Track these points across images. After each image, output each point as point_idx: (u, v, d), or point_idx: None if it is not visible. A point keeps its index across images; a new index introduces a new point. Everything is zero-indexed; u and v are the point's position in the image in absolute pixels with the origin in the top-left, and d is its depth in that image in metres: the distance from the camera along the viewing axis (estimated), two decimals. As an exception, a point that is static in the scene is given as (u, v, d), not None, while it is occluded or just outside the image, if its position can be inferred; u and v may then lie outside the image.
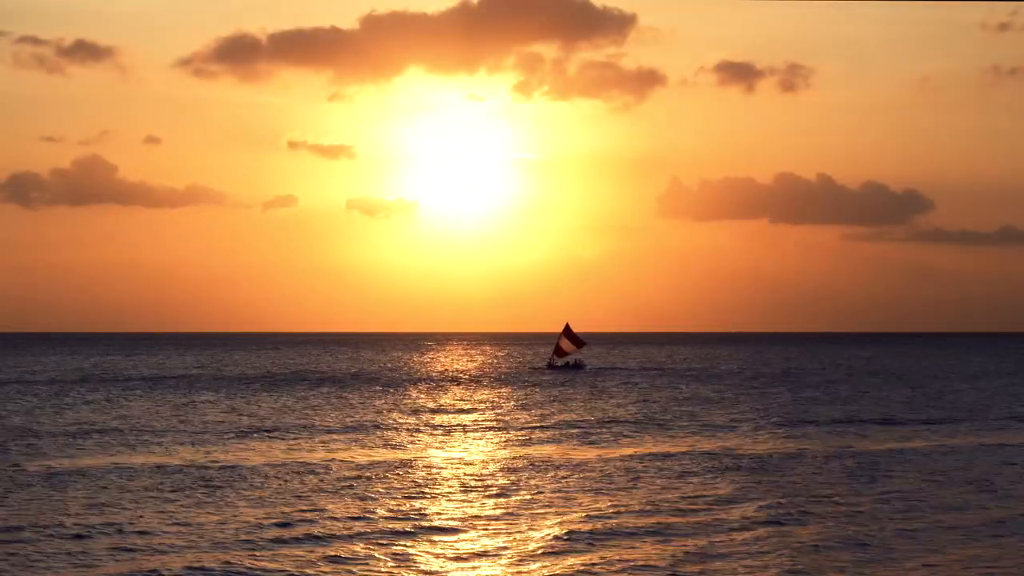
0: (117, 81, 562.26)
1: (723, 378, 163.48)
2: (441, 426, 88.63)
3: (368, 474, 59.39)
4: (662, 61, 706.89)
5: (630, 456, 67.62)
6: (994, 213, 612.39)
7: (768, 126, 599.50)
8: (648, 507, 49.13)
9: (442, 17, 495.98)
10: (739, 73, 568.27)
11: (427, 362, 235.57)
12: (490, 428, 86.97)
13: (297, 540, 41.62)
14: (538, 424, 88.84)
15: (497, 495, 52.78)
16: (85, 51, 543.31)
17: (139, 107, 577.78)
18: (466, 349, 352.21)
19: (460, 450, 71.78)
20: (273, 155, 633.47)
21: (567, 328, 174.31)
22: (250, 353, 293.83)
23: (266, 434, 79.79)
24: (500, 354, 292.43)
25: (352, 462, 64.12)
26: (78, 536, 41.78)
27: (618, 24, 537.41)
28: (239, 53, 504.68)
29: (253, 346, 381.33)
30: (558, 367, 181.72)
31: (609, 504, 49.84)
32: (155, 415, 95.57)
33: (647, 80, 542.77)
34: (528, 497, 52.25)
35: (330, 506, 48.75)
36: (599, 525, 44.74)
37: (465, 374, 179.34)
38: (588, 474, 60.21)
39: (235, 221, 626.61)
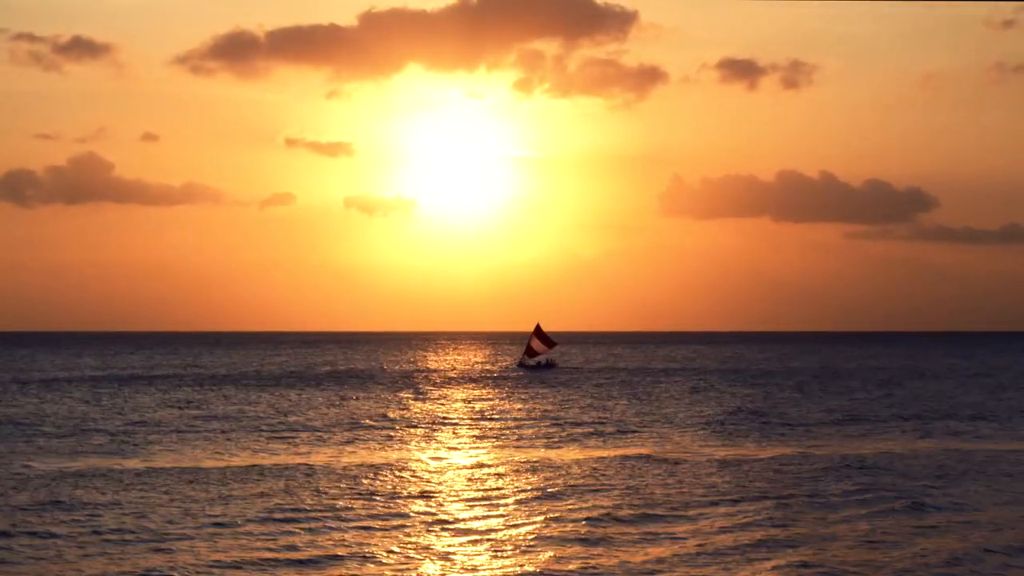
0: (114, 78, 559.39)
1: (774, 377, 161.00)
2: (449, 428, 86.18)
3: (382, 476, 57.59)
4: (664, 58, 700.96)
5: (729, 459, 65.33)
6: (998, 211, 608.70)
7: (770, 123, 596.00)
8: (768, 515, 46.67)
9: (442, 14, 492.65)
10: (741, 70, 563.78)
11: (427, 361, 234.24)
12: (534, 431, 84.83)
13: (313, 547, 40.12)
14: (602, 428, 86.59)
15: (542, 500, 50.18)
16: (81, 48, 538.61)
17: (136, 104, 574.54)
18: (466, 348, 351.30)
19: (490, 454, 69.41)
20: (271, 153, 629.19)
21: (538, 328, 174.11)
22: (248, 353, 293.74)
23: (263, 435, 78.40)
24: (502, 353, 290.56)
25: (360, 464, 62.47)
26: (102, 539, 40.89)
27: (620, 21, 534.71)
28: (237, 50, 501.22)
29: (250, 345, 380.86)
30: (530, 367, 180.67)
31: (728, 511, 47.62)
32: (156, 415, 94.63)
33: (649, 77, 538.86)
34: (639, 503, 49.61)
35: (341, 509, 47.27)
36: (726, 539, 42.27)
37: (469, 374, 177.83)
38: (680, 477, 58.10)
39: (232, 219, 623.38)
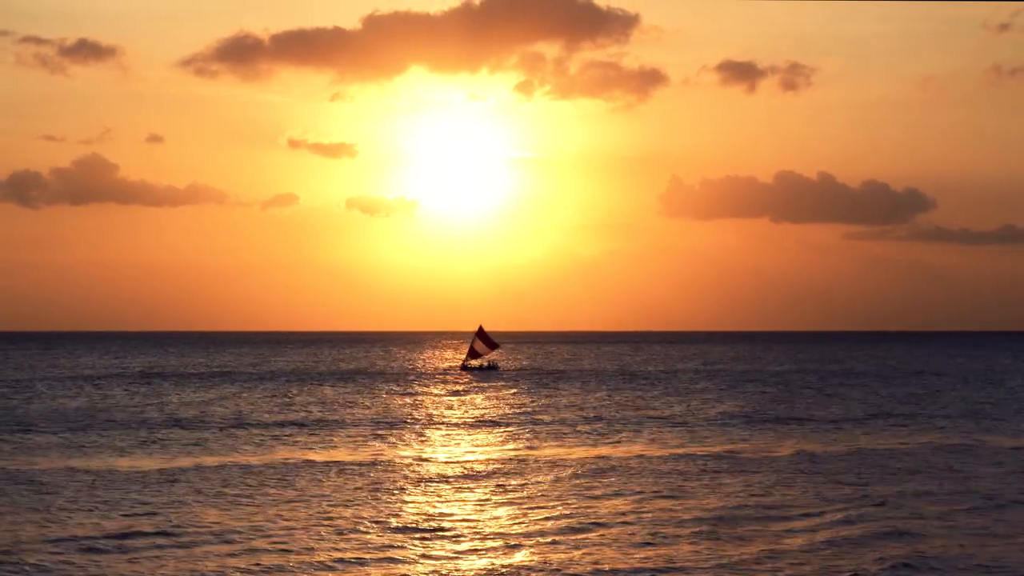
0: (119, 80, 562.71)
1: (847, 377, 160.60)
2: (447, 425, 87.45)
3: (382, 474, 58.38)
4: (665, 60, 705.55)
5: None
6: (995, 212, 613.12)
7: (769, 125, 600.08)
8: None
9: (444, 17, 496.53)
10: (741, 72, 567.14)
11: (428, 360, 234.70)
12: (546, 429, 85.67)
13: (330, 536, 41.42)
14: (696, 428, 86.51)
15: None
16: (87, 50, 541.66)
17: (141, 106, 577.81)
18: (466, 347, 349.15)
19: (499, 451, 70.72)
20: (274, 154, 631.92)
21: (480, 330, 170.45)
22: (250, 352, 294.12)
23: (258, 433, 79.61)
24: (507, 353, 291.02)
25: (363, 462, 63.09)
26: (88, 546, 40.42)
27: (622, 24, 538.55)
28: (241, 53, 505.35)
29: (252, 345, 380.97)
30: (474, 369, 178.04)
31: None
32: (150, 412, 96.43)
33: (649, 79, 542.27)
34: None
35: (343, 507, 47.65)
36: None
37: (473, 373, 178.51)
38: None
39: (235, 220, 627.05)
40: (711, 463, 62.87)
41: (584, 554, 38.50)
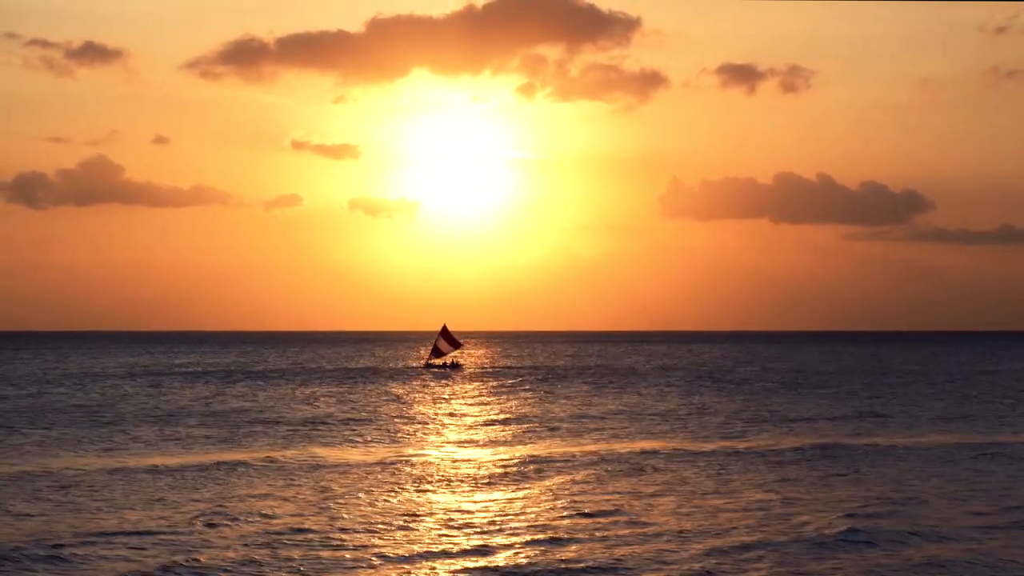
0: (125, 83, 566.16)
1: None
2: (451, 424, 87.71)
3: (384, 473, 57.79)
4: (665, 63, 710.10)
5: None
6: (993, 212, 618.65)
7: (769, 127, 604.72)
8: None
9: (447, 20, 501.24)
10: (741, 75, 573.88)
11: (414, 360, 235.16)
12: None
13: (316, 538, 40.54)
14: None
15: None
16: (93, 53, 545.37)
17: (147, 108, 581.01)
18: (470, 347, 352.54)
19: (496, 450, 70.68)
20: (277, 155, 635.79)
21: (444, 329, 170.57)
22: (252, 351, 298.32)
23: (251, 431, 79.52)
24: (510, 352, 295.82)
25: (366, 461, 62.43)
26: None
27: (623, 27, 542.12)
28: (245, 55, 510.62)
29: (255, 344, 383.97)
30: (437, 367, 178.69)
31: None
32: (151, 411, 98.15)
33: (650, 82, 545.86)
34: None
35: (345, 508, 46.53)
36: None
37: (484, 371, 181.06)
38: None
39: (239, 220, 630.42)
40: (824, 456, 63.73)
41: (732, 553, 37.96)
